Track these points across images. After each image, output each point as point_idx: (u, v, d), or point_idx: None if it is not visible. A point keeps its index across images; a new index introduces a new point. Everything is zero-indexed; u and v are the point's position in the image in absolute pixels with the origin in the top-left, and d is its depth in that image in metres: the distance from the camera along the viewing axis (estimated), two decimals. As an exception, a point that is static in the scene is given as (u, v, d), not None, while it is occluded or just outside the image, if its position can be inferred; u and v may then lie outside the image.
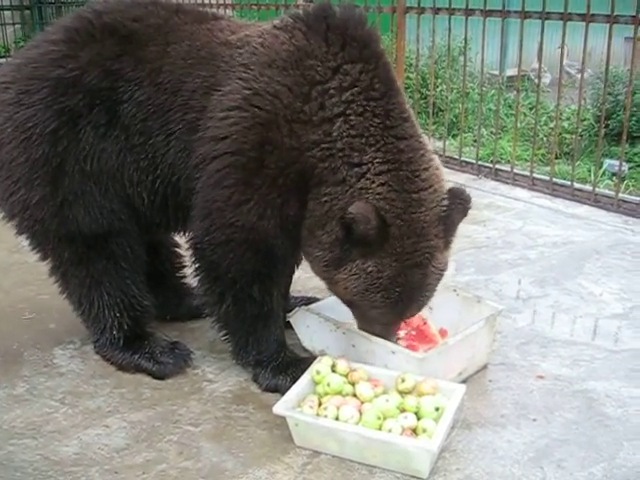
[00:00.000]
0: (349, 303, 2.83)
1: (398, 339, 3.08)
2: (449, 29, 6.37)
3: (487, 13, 5.96)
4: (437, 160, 2.79)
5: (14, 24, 12.36)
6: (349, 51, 2.69)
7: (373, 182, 2.59)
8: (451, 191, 2.73)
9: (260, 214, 2.72)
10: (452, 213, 2.69)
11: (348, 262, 2.65)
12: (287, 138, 2.66)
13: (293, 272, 3.38)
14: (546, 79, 6.94)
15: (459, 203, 2.71)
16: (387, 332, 2.86)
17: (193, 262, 2.95)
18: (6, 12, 12.08)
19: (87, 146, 2.87)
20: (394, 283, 2.63)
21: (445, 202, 2.68)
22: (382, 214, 2.56)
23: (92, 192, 2.91)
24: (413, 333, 3.15)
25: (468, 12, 6.09)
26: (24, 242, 3.19)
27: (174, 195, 2.95)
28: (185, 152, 2.85)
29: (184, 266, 3.54)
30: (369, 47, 2.71)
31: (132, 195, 2.95)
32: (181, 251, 3.53)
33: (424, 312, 3.21)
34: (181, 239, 3.38)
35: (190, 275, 3.11)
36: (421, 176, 2.65)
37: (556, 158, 6.36)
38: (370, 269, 2.62)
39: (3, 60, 9.89)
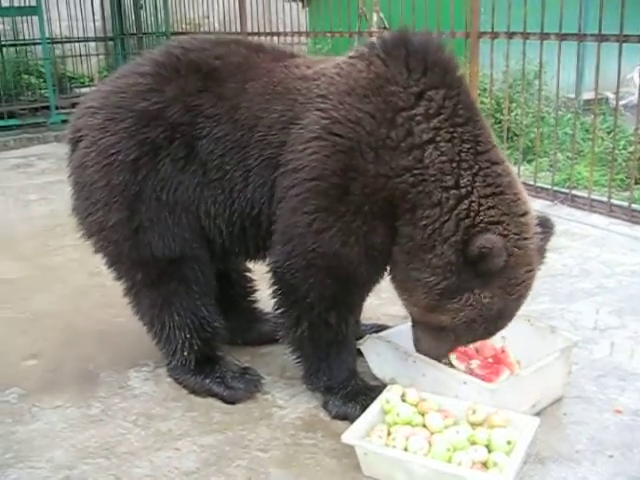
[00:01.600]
0: (437, 329, 2.78)
1: (471, 368, 3.04)
2: (524, 53, 6.29)
3: (562, 37, 5.87)
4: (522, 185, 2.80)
5: (98, 55, 12.86)
6: (431, 77, 2.69)
7: (481, 205, 2.58)
8: (540, 219, 2.74)
9: (343, 241, 2.73)
10: (545, 243, 2.71)
11: (465, 292, 2.61)
12: (372, 165, 2.67)
13: (364, 299, 3.37)
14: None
15: (546, 231, 2.72)
16: (443, 355, 2.86)
17: (272, 285, 2.98)
18: (91, 43, 12.58)
19: (165, 177, 2.96)
20: (499, 315, 2.65)
21: (539, 228, 2.68)
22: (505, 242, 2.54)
23: (166, 220, 2.99)
24: (490, 361, 3.09)
25: (543, 36, 6.00)
26: (103, 266, 3.28)
27: (253, 227, 2.99)
28: (265, 187, 2.89)
29: (255, 290, 3.58)
30: (450, 72, 2.72)
31: (208, 227, 3.02)
32: (252, 276, 3.58)
33: (498, 341, 3.17)
34: (253, 264, 3.43)
35: (262, 300, 3.14)
36: (521, 199, 2.64)
37: (635, 183, 6.16)
38: (486, 300, 2.60)
39: (87, 89, 10.32)
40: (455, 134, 2.64)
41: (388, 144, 2.67)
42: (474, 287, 2.60)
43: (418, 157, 2.64)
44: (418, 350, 2.92)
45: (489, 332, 2.75)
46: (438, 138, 2.64)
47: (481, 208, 2.58)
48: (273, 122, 2.89)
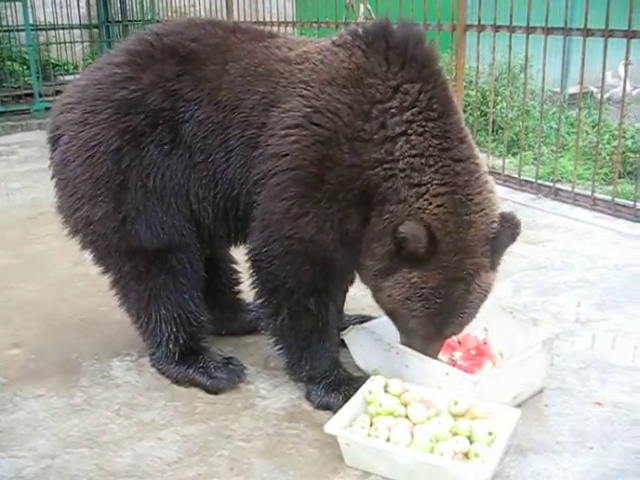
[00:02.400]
0: (391, 313, 2.87)
1: (454, 360, 3.06)
2: (509, 47, 6.31)
3: (549, 31, 5.89)
4: (491, 182, 2.82)
5: (82, 42, 12.74)
6: (408, 70, 2.72)
7: (430, 203, 2.65)
8: (502, 215, 2.76)
9: (319, 227, 2.76)
10: (500, 236, 2.72)
11: (394, 272, 2.72)
12: (348, 155, 2.71)
13: (347, 290, 3.39)
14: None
15: (508, 227, 2.73)
16: (428, 348, 2.87)
17: (251, 274, 2.98)
18: (75, 30, 12.46)
19: (150, 164, 2.94)
20: (435, 294, 2.68)
21: (495, 225, 2.72)
22: (433, 231, 2.62)
23: (154, 208, 2.98)
24: (472, 353, 3.11)
25: (529, 30, 6.01)
26: (87, 255, 3.27)
27: (234, 209, 3.00)
28: (245, 167, 2.90)
29: (240, 282, 3.58)
30: (428, 66, 2.74)
31: (198, 210, 3.01)
32: (238, 267, 3.57)
33: (480, 333, 3.20)
34: (238, 255, 3.42)
35: (245, 291, 3.15)
36: (474, 200, 2.69)
37: (619, 177, 6.21)
38: (414, 280, 2.69)
39: (72, 77, 10.22)
40: (427, 128, 2.68)
41: (362, 136, 2.70)
42: (403, 268, 2.70)
43: (390, 150, 2.68)
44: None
45: (434, 312, 2.71)
46: (410, 131, 2.67)
47: (429, 207, 2.64)
48: (255, 103, 2.89)
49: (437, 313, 2.72)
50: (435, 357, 2.92)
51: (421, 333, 2.82)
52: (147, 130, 2.93)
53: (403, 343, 2.94)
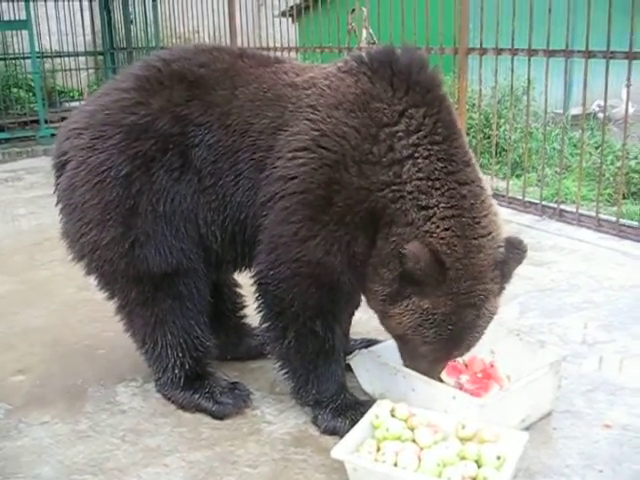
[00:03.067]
0: (400, 338, 2.86)
1: (461, 383, 3.04)
2: (512, 69, 6.34)
3: (550, 53, 5.92)
4: (495, 205, 2.84)
5: (88, 69, 12.86)
6: (413, 95, 2.75)
7: (438, 227, 2.66)
8: (509, 240, 2.77)
9: (327, 250, 2.76)
10: (508, 261, 2.74)
11: (404, 298, 2.71)
12: (356, 178, 2.73)
13: (353, 313, 3.38)
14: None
15: (516, 252, 2.75)
16: (433, 370, 2.87)
17: (257, 297, 2.98)
18: (81, 58, 12.58)
19: (160, 189, 2.95)
20: (447, 320, 2.68)
21: (502, 249, 2.73)
22: (442, 257, 2.63)
23: (163, 232, 2.98)
24: (479, 376, 3.09)
25: (531, 52, 6.05)
26: (92, 280, 3.27)
27: (241, 232, 3.00)
28: (252, 190, 2.92)
29: (245, 306, 3.57)
30: (432, 91, 2.77)
31: (206, 234, 3.02)
32: (242, 291, 3.57)
33: (486, 356, 3.18)
34: (242, 279, 3.42)
35: (251, 315, 3.14)
36: (481, 223, 2.70)
37: (623, 198, 6.22)
38: (426, 306, 2.68)
39: (77, 103, 10.31)
40: (432, 152, 2.70)
41: (370, 159, 2.72)
42: (412, 294, 2.70)
43: (397, 172, 2.70)
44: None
45: (445, 338, 2.72)
46: (417, 154, 2.70)
47: (437, 230, 2.66)
48: (264, 127, 2.91)
49: (449, 339, 2.72)
50: (439, 378, 2.91)
51: (430, 358, 2.82)
52: (157, 155, 2.95)
53: (407, 366, 2.93)
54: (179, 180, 2.96)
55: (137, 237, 2.97)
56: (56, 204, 3.20)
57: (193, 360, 3.12)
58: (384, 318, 2.86)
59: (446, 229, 2.66)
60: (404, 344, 2.88)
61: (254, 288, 2.98)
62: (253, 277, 2.99)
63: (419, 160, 2.69)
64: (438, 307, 2.67)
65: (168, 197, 2.96)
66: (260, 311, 2.99)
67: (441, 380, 2.96)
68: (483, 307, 2.72)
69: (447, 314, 2.67)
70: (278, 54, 8.88)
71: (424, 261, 2.59)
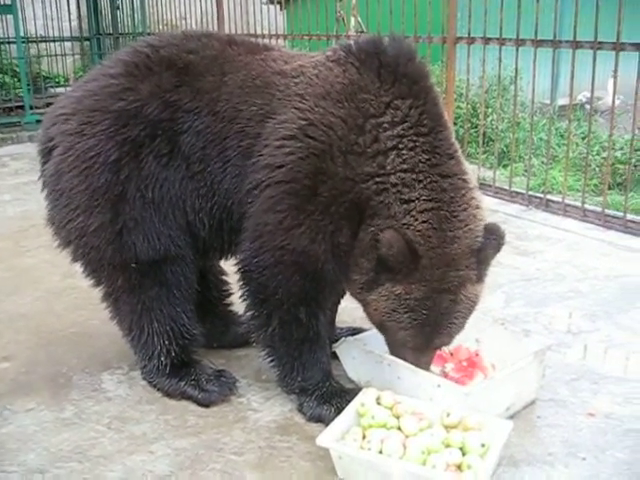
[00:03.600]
0: (380, 326, 2.88)
1: (446, 372, 3.06)
2: (499, 59, 6.35)
3: (538, 43, 5.93)
4: (479, 198, 2.84)
5: (74, 54, 12.74)
6: (399, 87, 2.77)
7: (416, 219, 2.68)
8: (487, 227, 2.78)
9: (311, 238, 2.77)
10: (486, 248, 2.75)
11: (379, 285, 2.74)
12: (341, 168, 2.73)
13: (339, 302, 3.39)
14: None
15: (494, 239, 2.76)
16: (419, 360, 2.87)
17: (241, 285, 2.99)
18: (66, 43, 12.47)
19: (149, 175, 2.94)
20: (422, 305, 2.71)
21: (479, 238, 2.74)
22: (415, 246, 2.65)
23: (151, 218, 2.97)
24: (464, 364, 3.11)
25: (519, 42, 6.05)
26: (77, 268, 3.25)
27: (228, 219, 3.01)
28: (239, 177, 2.92)
29: (231, 294, 3.57)
30: (418, 83, 2.78)
31: (193, 221, 3.02)
32: (228, 279, 3.57)
33: (472, 345, 3.20)
34: (228, 267, 3.42)
35: (237, 302, 3.15)
36: (459, 217, 2.72)
37: (609, 189, 6.25)
38: (398, 292, 2.71)
39: (62, 89, 10.23)
40: (417, 143, 2.72)
41: (356, 149, 2.73)
42: (386, 281, 2.72)
43: (381, 163, 2.71)
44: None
45: (421, 323, 2.73)
46: (401, 145, 2.71)
47: (415, 222, 2.68)
48: (252, 114, 2.92)
49: (425, 324, 2.74)
50: (427, 369, 2.92)
51: (410, 345, 2.83)
52: (146, 141, 2.94)
53: (393, 354, 2.94)
54: (168, 166, 2.95)
55: (125, 223, 2.96)
56: (42, 190, 3.18)
57: (179, 348, 3.12)
58: (364, 306, 2.90)
59: (423, 222, 2.68)
60: (384, 332, 2.90)
61: (238, 276, 2.99)
62: (237, 264, 3.00)
63: (403, 151, 2.70)
64: (410, 293, 2.70)
65: (157, 183, 2.95)
66: (244, 299, 2.99)
67: (427, 370, 2.97)
68: (459, 293, 2.73)
69: (420, 299, 2.70)
70: (266, 41, 8.87)
71: (397, 247, 2.62)
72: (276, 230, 2.80)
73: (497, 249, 2.80)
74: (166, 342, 3.09)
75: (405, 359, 2.88)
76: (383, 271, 2.71)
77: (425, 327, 2.74)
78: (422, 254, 2.66)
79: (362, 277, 2.79)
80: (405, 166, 2.69)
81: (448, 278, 2.70)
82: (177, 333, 3.09)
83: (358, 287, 2.83)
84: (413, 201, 2.68)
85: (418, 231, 2.67)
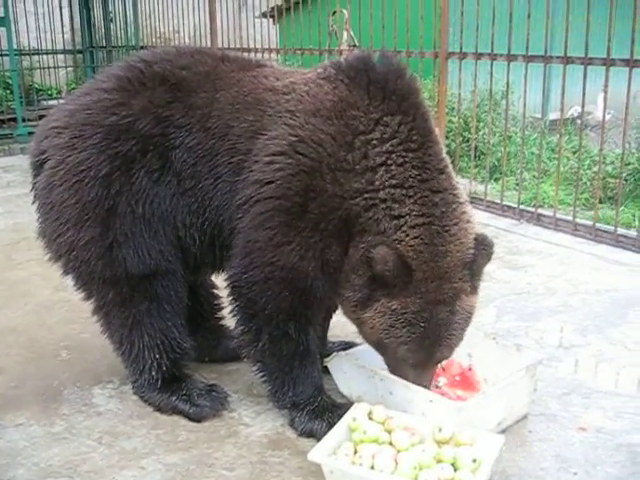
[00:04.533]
0: (378, 345, 2.86)
1: (439, 387, 3.05)
2: (491, 74, 6.39)
3: (529, 58, 5.98)
4: (469, 212, 2.86)
5: (66, 67, 12.76)
6: (388, 104, 2.78)
7: (407, 235, 2.69)
8: (476, 239, 2.80)
9: (301, 255, 2.77)
10: (477, 259, 2.78)
11: (374, 302, 2.74)
12: (330, 185, 2.74)
13: (331, 316, 3.39)
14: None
15: (483, 249, 2.79)
16: (420, 377, 2.85)
17: (231, 301, 2.98)
18: (59, 56, 12.48)
19: (140, 190, 2.94)
20: (419, 318, 2.70)
21: (471, 250, 2.76)
22: (408, 261, 2.66)
23: (142, 233, 2.97)
24: (457, 379, 3.11)
25: (510, 57, 6.10)
26: (69, 281, 3.24)
27: (219, 235, 3.01)
28: (230, 194, 2.92)
29: (222, 308, 3.57)
30: (408, 99, 2.80)
31: (184, 237, 3.02)
32: (219, 293, 3.56)
33: (464, 359, 3.20)
34: (219, 281, 3.42)
35: (228, 317, 3.14)
36: (450, 231, 2.73)
37: (600, 203, 6.27)
38: (394, 307, 2.71)
39: (55, 102, 10.22)
40: (406, 159, 2.73)
41: (345, 166, 2.74)
42: (381, 297, 2.72)
43: (370, 179, 2.72)
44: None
45: (420, 337, 2.72)
46: (390, 161, 2.72)
47: (406, 238, 2.69)
48: (243, 131, 2.92)
49: (424, 337, 2.73)
50: (428, 387, 2.90)
51: (412, 361, 2.81)
52: (137, 156, 2.94)
53: (394, 374, 2.91)
54: (159, 182, 2.95)
55: (115, 238, 2.96)
56: (33, 203, 3.18)
57: (170, 362, 3.11)
58: (359, 325, 2.88)
59: (415, 237, 2.69)
60: (384, 351, 2.88)
61: (228, 291, 2.99)
62: (227, 280, 2.99)
63: (392, 167, 2.72)
64: (407, 307, 2.70)
65: (147, 198, 2.95)
66: (234, 314, 2.99)
67: (429, 387, 2.95)
68: (455, 304, 2.74)
69: (417, 312, 2.70)
70: (259, 55, 8.91)
71: (392, 262, 2.62)
72: (266, 247, 2.80)
73: (487, 259, 2.83)
74: (157, 356, 3.08)
75: (407, 377, 2.85)
76: (378, 287, 2.71)
77: (425, 340, 2.73)
78: (415, 268, 2.67)
79: (355, 294, 2.78)
80: (394, 181, 2.71)
81: (443, 290, 2.71)
82: (168, 347, 3.08)
83: (352, 305, 2.81)
84: (403, 217, 2.69)
85: (410, 246, 2.67)
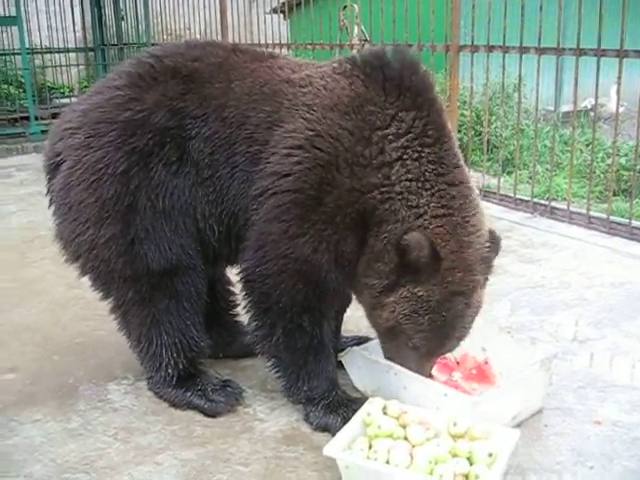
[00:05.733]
0: (390, 331, 2.85)
1: (453, 381, 3.05)
2: (503, 66, 6.36)
3: (542, 51, 5.94)
4: (481, 204, 2.90)
5: (78, 65, 12.80)
6: (404, 100, 2.80)
7: (430, 224, 2.71)
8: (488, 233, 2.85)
9: (315, 248, 2.78)
10: (490, 254, 2.83)
11: (399, 287, 2.75)
12: (347, 179, 2.76)
13: (344, 311, 3.39)
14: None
15: (493, 244, 2.85)
16: (423, 367, 2.89)
17: (244, 295, 3.00)
18: (71, 54, 12.52)
19: (159, 183, 2.95)
20: (441, 307, 2.73)
21: (488, 243, 2.82)
22: (437, 248, 2.68)
23: (163, 227, 2.97)
24: (473, 372, 3.10)
25: (522, 50, 6.07)
26: (85, 279, 3.25)
27: (235, 225, 3.01)
28: (247, 183, 2.93)
29: (237, 304, 3.57)
30: (422, 95, 2.82)
31: (204, 228, 3.02)
32: (234, 289, 3.57)
33: (478, 353, 3.19)
34: (233, 278, 3.42)
35: (242, 313, 3.15)
36: (470, 222, 2.77)
37: (614, 195, 6.24)
38: (421, 293, 2.73)
39: (67, 100, 10.26)
40: (422, 154, 2.75)
41: (362, 161, 2.76)
42: (407, 283, 2.73)
43: (386, 174, 2.75)
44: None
45: (439, 325, 2.75)
46: (405, 156, 2.75)
47: (430, 226, 2.71)
48: (260, 121, 2.93)
49: (441, 326, 2.76)
50: (429, 376, 2.92)
51: (425, 349, 2.83)
52: (155, 150, 2.94)
53: (391, 359, 2.95)
54: (177, 173, 2.96)
55: (136, 234, 2.96)
56: (49, 206, 3.19)
57: (187, 360, 3.12)
58: (376, 310, 2.86)
59: (439, 226, 2.71)
60: (394, 337, 2.87)
61: (241, 286, 3.00)
62: (240, 273, 3.00)
63: (408, 162, 2.74)
64: (432, 294, 2.71)
65: (167, 191, 2.96)
66: (248, 310, 3.00)
67: (432, 377, 2.97)
68: (472, 297, 2.78)
69: (440, 301, 2.72)
70: (269, 50, 8.89)
71: (427, 248, 2.64)
72: (280, 239, 2.81)
73: (497, 252, 2.89)
74: (174, 355, 3.09)
75: (409, 365, 2.87)
76: (406, 273, 2.72)
77: (441, 329, 2.76)
78: (444, 256, 2.69)
79: (381, 281, 2.78)
80: (410, 175, 2.73)
81: (465, 282, 2.74)
82: (185, 346, 3.09)
83: (377, 291, 2.81)
84: (422, 207, 2.72)
85: (436, 234, 2.70)
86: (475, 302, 2.81)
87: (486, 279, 2.86)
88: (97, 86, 3.25)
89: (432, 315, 2.73)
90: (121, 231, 2.96)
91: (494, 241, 2.85)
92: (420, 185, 2.72)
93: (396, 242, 2.69)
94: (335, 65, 3.01)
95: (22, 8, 10.37)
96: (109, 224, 2.96)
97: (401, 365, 2.90)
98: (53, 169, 3.13)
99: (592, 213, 5.81)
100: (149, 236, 2.96)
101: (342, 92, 2.86)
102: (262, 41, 9.37)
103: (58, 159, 3.09)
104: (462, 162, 2.87)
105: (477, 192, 2.89)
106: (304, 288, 2.85)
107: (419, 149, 2.75)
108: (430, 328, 2.75)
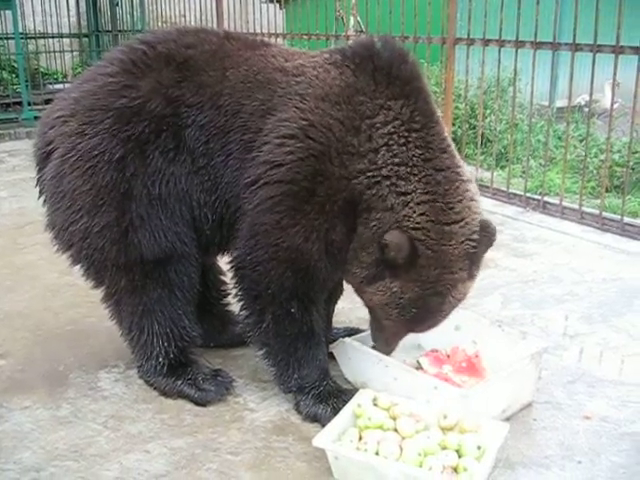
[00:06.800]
0: (370, 309, 3.01)
1: (443, 374, 3.06)
2: (499, 60, 6.35)
3: (537, 45, 5.94)
4: (473, 190, 2.87)
5: (72, 51, 12.72)
6: (392, 89, 2.83)
7: (414, 211, 2.72)
8: (480, 225, 2.80)
9: (306, 237, 2.80)
10: (479, 246, 2.79)
11: (379, 280, 2.80)
12: (337, 168, 2.77)
13: (336, 302, 3.39)
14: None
15: (484, 235, 2.80)
16: (388, 344, 3.02)
17: (235, 283, 3.01)
18: (65, 39, 12.44)
19: (156, 170, 2.94)
20: (412, 305, 2.79)
21: (475, 236, 2.77)
22: (416, 244, 2.69)
23: (158, 215, 2.97)
24: (464, 365, 3.11)
25: (518, 44, 6.06)
26: (78, 269, 3.23)
27: (227, 213, 3.02)
28: (239, 171, 2.93)
29: (229, 294, 3.56)
30: (410, 84, 2.85)
31: (199, 216, 3.02)
32: (226, 279, 3.56)
33: (469, 346, 3.20)
34: (226, 266, 3.42)
35: (233, 302, 3.15)
36: (455, 209, 2.76)
37: (606, 191, 6.25)
38: (395, 289, 2.78)
39: (61, 85, 10.20)
40: (410, 139, 2.77)
41: (350, 150, 2.78)
42: (385, 277, 2.78)
43: (372, 159, 2.76)
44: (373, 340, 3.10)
45: (408, 320, 2.84)
46: (391, 142, 2.76)
47: (413, 214, 2.72)
48: (254, 109, 2.94)
49: (411, 320, 2.84)
50: (390, 351, 3.03)
51: (390, 332, 2.96)
52: (151, 137, 2.93)
53: (371, 325, 3.08)
54: (174, 161, 2.95)
55: (131, 221, 2.95)
56: (39, 197, 3.17)
57: (178, 349, 3.12)
58: (358, 292, 2.98)
59: (421, 214, 2.72)
60: (372, 314, 3.02)
61: (231, 274, 3.00)
62: (231, 262, 3.01)
63: (394, 147, 2.75)
64: (405, 292, 2.77)
65: (163, 178, 2.95)
66: (238, 298, 3.01)
67: (389, 353, 3.05)
68: (449, 295, 2.80)
69: (412, 299, 2.77)
70: (261, 38, 8.86)
71: (405, 250, 2.67)
72: (272, 229, 2.82)
73: (488, 246, 2.83)
74: (165, 344, 3.08)
75: (375, 337, 3.04)
76: (385, 268, 2.76)
77: (410, 322, 2.86)
78: (421, 253, 2.70)
79: (362, 271, 2.83)
80: (397, 160, 2.74)
81: (442, 281, 2.75)
82: (177, 335, 3.09)
83: (359, 280, 2.87)
84: (410, 193, 2.73)
85: (417, 223, 2.71)
86: (453, 298, 2.82)
87: (472, 272, 2.83)
88: (88, 73, 3.23)
89: (401, 310, 2.81)
90: (116, 219, 2.94)
91: (486, 233, 2.79)
92: (409, 170, 2.73)
93: (380, 237, 2.71)
94: (326, 56, 3.02)
95: (16, -8, 10.29)
96: (104, 212, 2.95)
97: (374, 336, 3.04)
98: (44, 158, 3.10)
99: (584, 209, 5.82)
100: (144, 224, 2.95)
101: (333, 82, 2.87)
102: (257, 30, 9.33)
103: (49, 148, 3.06)
104: (451, 147, 2.86)
105: (468, 177, 2.86)
106: (293, 275, 2.86)
107: (406, 134, 2.76)
108: (398, 320, 2.84)
